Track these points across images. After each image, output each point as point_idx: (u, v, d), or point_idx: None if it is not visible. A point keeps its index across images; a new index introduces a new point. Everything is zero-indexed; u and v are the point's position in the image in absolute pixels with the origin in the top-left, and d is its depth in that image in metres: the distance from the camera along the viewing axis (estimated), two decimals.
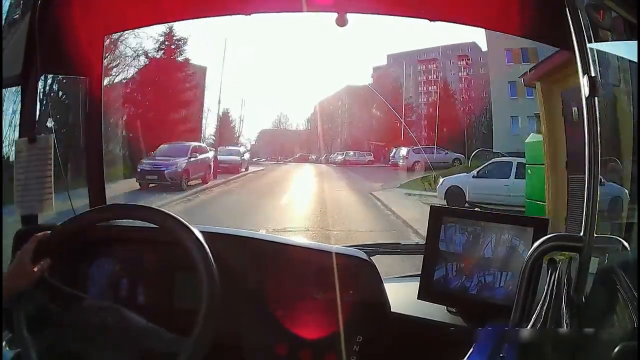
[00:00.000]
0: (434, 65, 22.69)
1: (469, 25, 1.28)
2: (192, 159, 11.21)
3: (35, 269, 0.86)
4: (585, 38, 0.80)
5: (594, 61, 0.79)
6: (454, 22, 1.21)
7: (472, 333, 0.69)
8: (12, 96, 1.21)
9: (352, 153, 22.71)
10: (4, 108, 1.15)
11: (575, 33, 0.81)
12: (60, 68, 1.29)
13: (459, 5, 1.16)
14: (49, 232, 0.92)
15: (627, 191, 1.16)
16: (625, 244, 0.80)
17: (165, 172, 10.38)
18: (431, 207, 1.14)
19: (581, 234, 0.80)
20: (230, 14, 1.23)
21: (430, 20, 1.24)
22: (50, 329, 0.87)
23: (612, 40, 0.84)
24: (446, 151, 16.67)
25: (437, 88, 21.73)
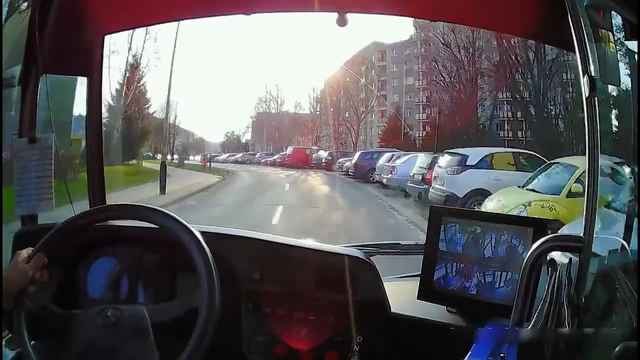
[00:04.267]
0: None
1: (469, 25, 1.29)
2: None
3: (32, 269, 0.86)
4: (585, 38, 0.80)
5: (594, 61, 0.79)
6: (454, 22, 1.22)
7: (472, 333, 0.69)
8: (12, 96, 1.21)
9: None
10: (3, 108, 1.15)
11: (575, 33, 0.81)
12: (60, 68, 1.29)
13: (459, 5, 1.16)
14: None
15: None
16: (625, 244, 0.80)
17: None
18: (431, 207, 1.14)
19: (581, 234, 0.80)
20: (230, 14, 1.23)
21: (431, 20, 1.24)
22: (52, 342, 0.87)
23: (612, 40, 0.84)
24: None
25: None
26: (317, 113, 20.62)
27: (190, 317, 0.85)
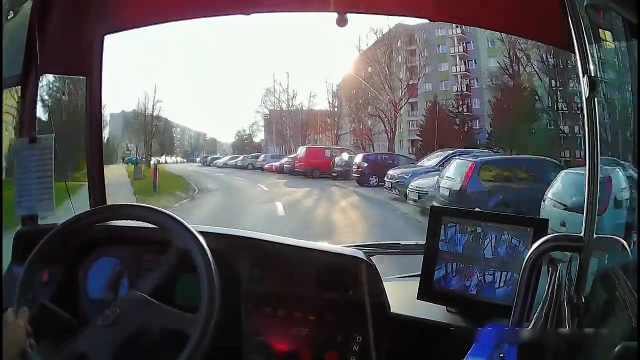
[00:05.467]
0: None
1: (469, 25, 1.29)
2: None
3: (23, 321, 0.83)
4: (585, 38, 0.80)
5: (594, 61, 0.79)
6: (454, 22, 1.22)
7: (472, 333, 0.69)
8: (12, 96, 1.21)
9: None
10: (3, 108, 1.15)
11: (575, 33, 0.81)
12: (60, 68, 1.29)
13: (459, 5, 1.16)
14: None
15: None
16: (625, 244, 0.80)
17: None
18: (431, 207, 1.14)
19: (581, 234, 0.80)
20: (230, 14, 1.23)
21: (430, 20, 1.24)
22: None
23: (612, 40, 0.84)
24: None
25: None
26: (336, 109, 16.83)
27: (183, 263, 0.88)
